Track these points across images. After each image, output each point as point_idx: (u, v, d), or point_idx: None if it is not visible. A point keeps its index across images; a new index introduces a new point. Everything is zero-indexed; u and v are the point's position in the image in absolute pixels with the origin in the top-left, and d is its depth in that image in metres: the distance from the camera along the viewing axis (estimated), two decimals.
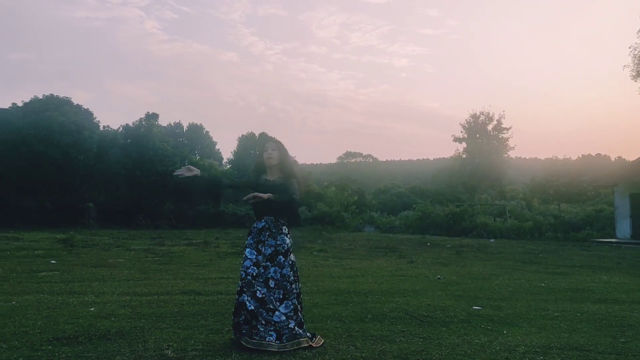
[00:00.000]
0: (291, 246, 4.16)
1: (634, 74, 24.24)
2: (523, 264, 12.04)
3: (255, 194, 4.00)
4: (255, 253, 4.06)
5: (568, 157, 31.34)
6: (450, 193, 41.93)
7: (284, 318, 3.84)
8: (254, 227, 4.20)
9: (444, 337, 4.38)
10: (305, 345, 3.82)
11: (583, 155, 60.57)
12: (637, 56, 24.05)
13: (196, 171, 4.14)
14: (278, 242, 4.09)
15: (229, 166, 47.85)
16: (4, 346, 3.78)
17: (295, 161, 4.63)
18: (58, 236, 17.06)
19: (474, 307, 5.93)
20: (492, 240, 22.55)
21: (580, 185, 26.44)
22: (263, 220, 4.16)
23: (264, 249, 4.06)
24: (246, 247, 4.14)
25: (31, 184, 28.04)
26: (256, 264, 4.00)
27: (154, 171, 31.95)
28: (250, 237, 4.17)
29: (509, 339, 4.37)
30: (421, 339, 4.28)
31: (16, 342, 3.89)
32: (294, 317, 3.93)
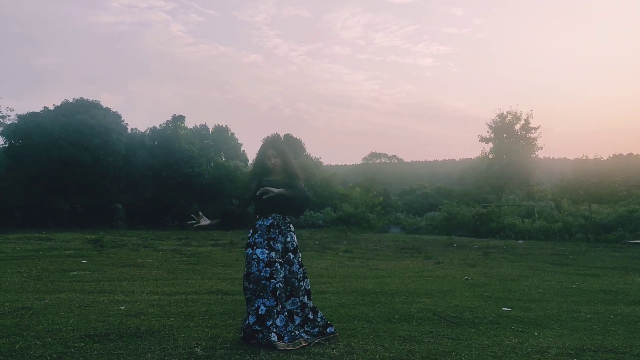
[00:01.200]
0: (298, 244, 4.20)
1: None
2: (553, 266, 11.80)
3: (267, 188, 4.00)
4: (267, 251, 3.99)
5: (599, 156, 30.62)
6: (476, 194, 41.39)
7: (284, 322, 3.86)
8: (260, 225, 4.12)
9: (473, 338, 4.31)
10: (305, 344, 3.84)
11: (614, 155, 58.97)
12: None
13: (207, 221, 4.31)
14: (288, 239, 4.11)
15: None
16: (38, 343, 3.86)
17: (294, 149, 4.59)
18: (88, 237, 17.43)
19: (503, 309, 5.83)
20: (520, 241, 22.16)
21: (611, 186, 25.83)
22: (270, 218, 4.12)
23: (276, 245, 4.05)
24: (255, 246, 4.02)
25: (62, 185, 28.75)
26: (269, 263, 3.95)
27: (181, 172, 32.40)
28: (257, 235, 4.08)
29: (540, 341, 4.28)
30: (450, 340, 4.23)
31: (49, 339, 3.98)
32: (300, 314, 4.00)
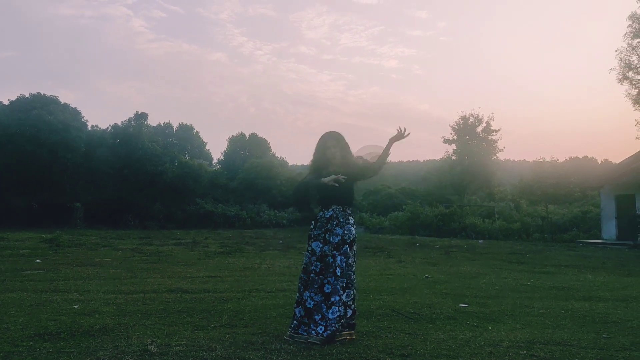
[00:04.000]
0: (356, 237, 4.23)
1: (620, 77, 24.51)
2: (510, 264, 12.12)
3: (336, 176, 4.02)
4: (321, 245, 4.05)
5: (555, 159, 31.53)
6: (439, 194, 42.09)
7: (337, 315, 3.88)
8: (321, 217, 4.17)
9: (429, 333, 4.39)
10: (348, 338, 3.97)
11: (570, 158, 60.97)
12: (623, 59, 24.33)
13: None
14: (345, 232, 4.11)
15: (219, 166, 47.69)
16: None
17: (356, 157, 4.56)
18: (44, 236, 16.88)
19: (460, 305, 5.95)
20: (480, 241, 22.68)
21: (567, 187, 26.72)
22: (331, 210, 4.15)
23: (332, 237, 4.06)
24: (312, 239, 4.11)
25: (18, 183, 27.77)
26: (321, 258, 4.01)
27: (143, 171, 31.79)
28: (317, 227, 4.14)
29: (493, 335, 4.39)
30: (407, 335, 4.29)
31: None
32: (352, 306, 4.06)
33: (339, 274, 3.98)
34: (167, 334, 4.07)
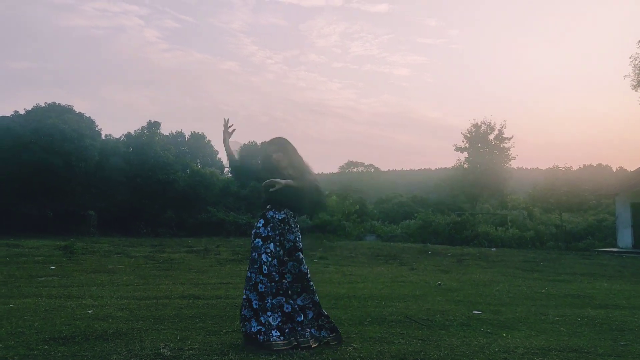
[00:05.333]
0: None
1: (635, 84, 24.29)
2: (524, 272, 11.98)
3: (274, 180, 3.90)
4: (279, 248, 3.93)
5: (569, 166, 31.17)
6: (451, 202, 41.87)
7: (277, 322, 3.80)
8: (273, 217, 4.00)
9: (442, 339, 4.35)
10: (314, 345, 3.85)
11: (584, 166, 60.37)
12: (637, 66, 24.12)
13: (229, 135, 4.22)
14: (297, 238, 4.07)
15: (230, 175, 47.83)
16: (0, 345, 3.76)
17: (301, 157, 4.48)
18: (58, 243, 17.02)
19: (473, 312, 5.90)
20: (493, 249, 22.48)
21: (581, 195, 26.45)
22: (283, 213, 4.03)
23: (285, 242, 4.00)
24: (269, 239, 3.92)
25: (32, 191, 28.08)
26: (282, 262, 3.93)
27: (155, 179, 31.99)
28: (270, 227, 3.96)
29: (508, 341, 4.34)
30: (420, 341, 4.26)
31: (12, 342, 3.87)
32: (312, 309, 4.00)
33: (290, 279, 3.95)
34: (179, 339, 4.08)
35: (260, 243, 3.93)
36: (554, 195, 27.00)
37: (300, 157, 4.20)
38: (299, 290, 3.98)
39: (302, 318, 3.88)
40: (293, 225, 4.07)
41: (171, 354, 3.55)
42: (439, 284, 8.80)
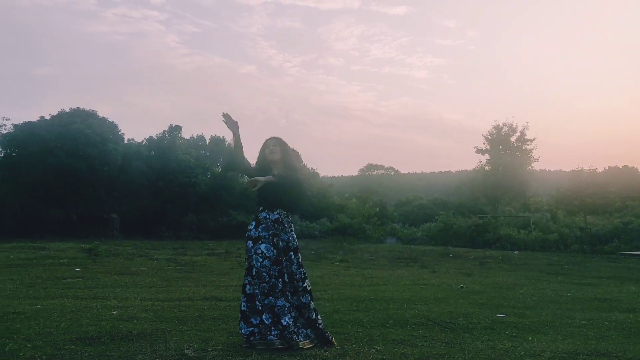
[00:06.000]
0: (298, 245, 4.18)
1: None
2: (548, 275, 11.79)
3: (254, 178, 3.96)
4: (272, 247, 3.95)
5: (594, 168, 30.49)
6: (472, 205, 41.41)
7: (289, 322, 3.82)
8: (267, 219, 4.04)
9: (467, 343, 4.30)
10: (309, 345, 3.84)
11: (609, 167, 59.11)
12: None
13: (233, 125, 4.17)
14: (290, 238, 4.07)
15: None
16: (29, 345, 3.83)
17: (298, 155, 4.55)
18: (83, 246, 17.31)
19: (497, 315, 5.82)
20: (516, 252, 22.16)
21: (606, 197, 25.91)
22: (276, 213, 4.06)
23: (278, 242, 4.01)
24: (259, 240, 3.95)
25: (57, 195, 28.62)
26: (276, 261, 3.93)
27: (177, 182, 32.32)
28: (262, 228, 4.00)
29: (534, 345, 4.27)
30: (444, 344, 4.21)
31: (40, 342, 3.94)
32: (303, 312, 3.97)
33: (287, 280, 3.95)
34: (203, 340, 4.11)
35: (251, 245, 3.99)
36: (578, 198, 26.49)
37: (294, 157, 4.35)
38: (291, 291, 3.97)
39: (289, 322, 3.83)
40: (287, 226, 4.10)
41: (195, 355, 3.58)
42: (461, 287, 8.71)
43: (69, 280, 8.63)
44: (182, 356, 3.54)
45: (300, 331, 3.88)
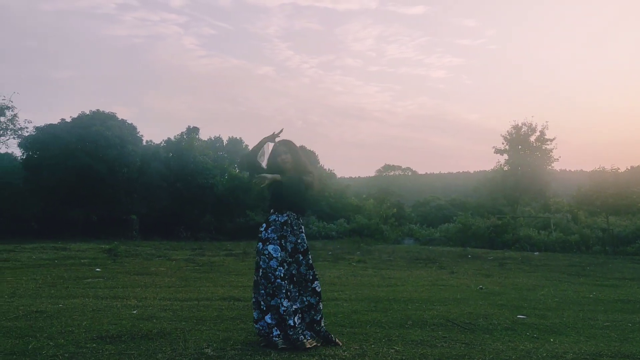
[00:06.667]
0: (308, 246, 4.19)
1: None
2: (569, 276, 11.61)
3: (262, 175, 3.98)
4: (280, 249, 3.98)
5: (616, 168, 29.87)
6: (491, 205, 40.99)
7: (296, 322, 3.85)
8: (275, 220, 4.08)
9: (487, 344, 4.25)
10: (316, 344, 3.84)
11: (632, 167, 58.07)
12: None
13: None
14: (298, 240, 4.09)
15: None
16: (51, 343, 3.89)
17: (310, 156, 4.60)
18: (103, 246, 17.54)
19: (518, 316, 5.74)
20: (536, 253, 21.87)
21: (629, 197, 25.40)
22: (285, 215, 4.09)
23: (286, 244, 4.03)
24: (268, 242, 4.00)
25: (78, 196, 29.06)
26: (282, 262, 3.95)
27: (195, 184, 32.58)
28: (271, 230, 4.05)
29: (555, 347, 4.21)
30: (463, 345, 4.17)
31: (62, 340, 4.00)
32: (308, 313, 3.99)
33: (295, 280, 3.98)
34: (222, 339, 4.12)
35: (260, 246, 4.04)
36: (600, 198, 26.01)
37: (305, 160, 4.35)
38: (297, 293, 3.99)
39: (295, 322, 3.84)
40: (296, 228, 4.12)
41: (214, 354, 3.59)
42: (481, 288, 8.62)
43: (89, 280, 8.74)
44: (201, 355, 3.56)
45: (305, 332, 3.91)
